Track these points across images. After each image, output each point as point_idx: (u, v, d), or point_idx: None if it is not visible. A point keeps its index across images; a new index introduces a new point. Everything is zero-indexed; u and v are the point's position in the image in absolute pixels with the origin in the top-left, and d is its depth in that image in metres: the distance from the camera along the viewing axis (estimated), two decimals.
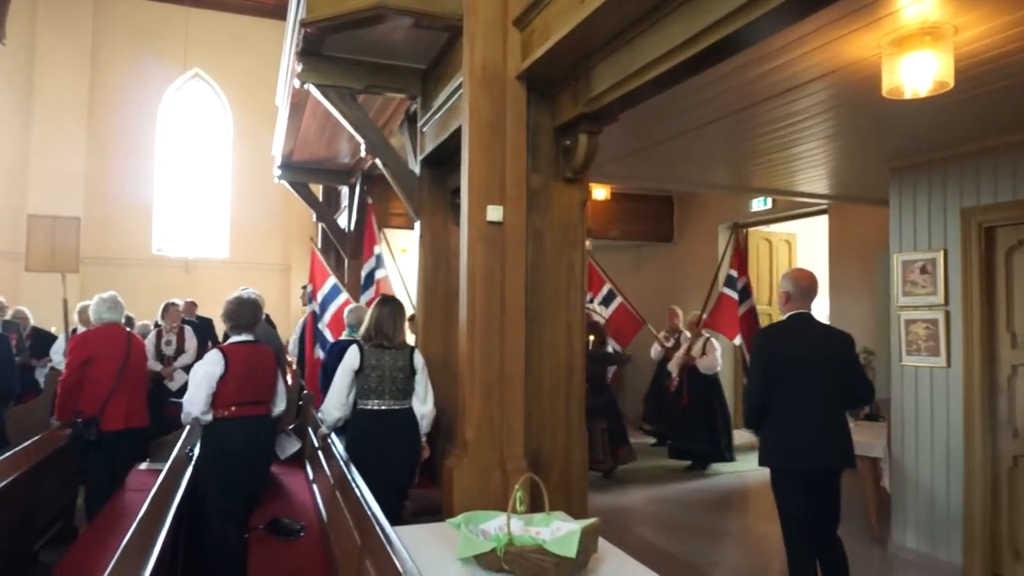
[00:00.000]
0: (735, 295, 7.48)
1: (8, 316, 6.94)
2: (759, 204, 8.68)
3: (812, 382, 3.36)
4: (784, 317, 3.56)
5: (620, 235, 9.97)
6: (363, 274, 6.75)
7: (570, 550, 2.24)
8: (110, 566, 2.27)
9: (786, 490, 3.43)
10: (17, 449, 4.01)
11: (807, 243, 9.74)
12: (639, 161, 5.47)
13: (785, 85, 3.69)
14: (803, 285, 3.52)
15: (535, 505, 2.74)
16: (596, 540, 2.46)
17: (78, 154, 11.34)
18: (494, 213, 3.42)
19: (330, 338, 6.11)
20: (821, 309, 9.52)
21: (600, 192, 8.14)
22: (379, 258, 6.72)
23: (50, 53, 11.24)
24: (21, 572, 3.81)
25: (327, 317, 6.38)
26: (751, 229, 9.37)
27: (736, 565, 4.74)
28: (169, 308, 7.15)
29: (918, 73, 2.92)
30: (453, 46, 4.28)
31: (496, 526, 2.52)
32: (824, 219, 8.15)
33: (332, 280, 6.58)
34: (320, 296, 6.50)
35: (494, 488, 3.29)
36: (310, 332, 6.51)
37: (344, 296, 6.45)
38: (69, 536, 4.66)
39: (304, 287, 8.14)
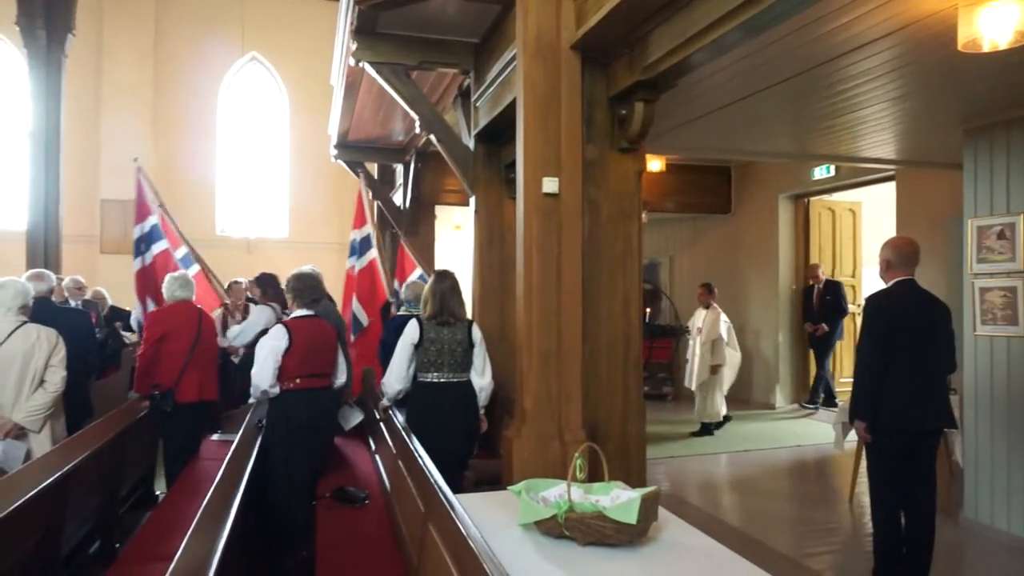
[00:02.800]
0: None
1: (88, 296, 7.29)
2: (821, 172, 8.39)
3: (920, 347, 3.46)
4: (889, 284, 3.61)
5: (676, 207, 9.80)
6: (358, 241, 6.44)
7: (630, 516, 2.25)
8: (190, 530, 2.39)
9: (886, 453, 3.51)
10: (101, 419, 4.24)
11: (872, 211, 9.40)
12: (696, 130, 5.36)
13: (850, 44, 3.54)
14: (905, 252, 3.59)
15: (594, 474, 2.76)
16: (656, 508, 2.46)
17: (145, 140, 11.76)
18: (550, 185, 3.41)
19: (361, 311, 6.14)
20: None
21: (655, 164, 7.99)
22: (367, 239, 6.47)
23: (116, 43, 11.65)
24: (109, 533, 4.05)
25: (361, 264, 6.34)
26: (813, 198, 9.09)
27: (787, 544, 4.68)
28: (233, 286, 7.38)
29: (998, 24, 2.78)
30: (505, 18, 4.26)
31: (556, 493, 2.54)
32: (891, 186, 7.83)
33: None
34: (358, 239, 6.48)
35: (552, 458, 3.33)
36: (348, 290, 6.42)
37: (373, 252, 6.35)
38: (149, 501, 4.93)
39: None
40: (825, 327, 8.56)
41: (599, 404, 3.61)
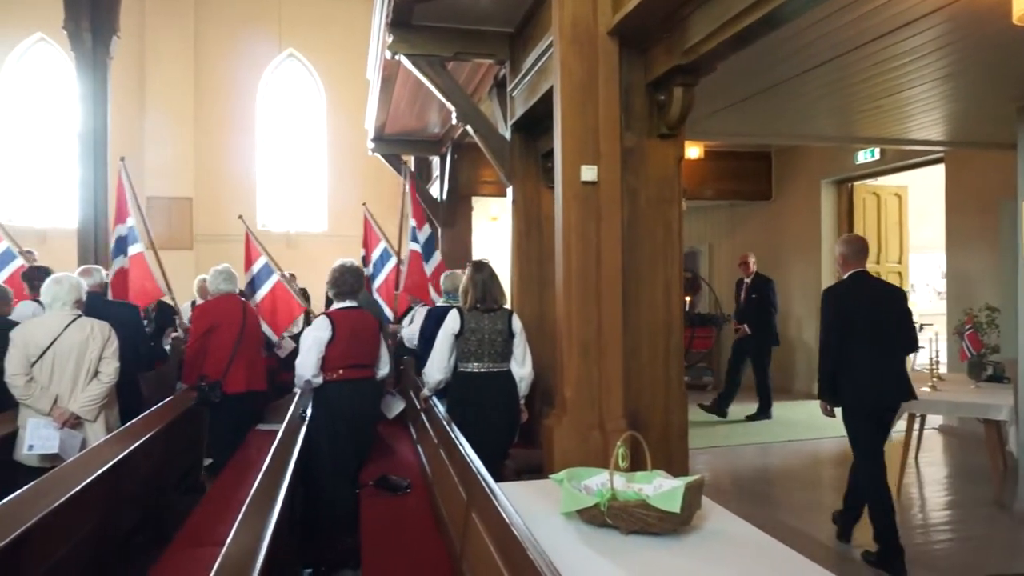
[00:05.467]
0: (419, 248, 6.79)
1: None
2: (866, 156, 8.16)
3: (876, 331, 3.81)
4: (845, 276, 3.97)
5: (715, 194, 9.65)
6: (422, 244, 6.51)
7: (674, 505, 2.23)
8: (239, 517, 2.45)
9: (858, 424, 3.92)
10: (152, 410, 4.36)
11: (919, 195, 9.13)
12: (736, 115, 5.27)
13: (897, 22, 3.44)
14: (856, 246, 3.99)
15: (636, 463, 2.74)
16: (700, 496, 2.44)
17: (187, 138, 12.03)
18: (588, 173, 3.39)
19: (382, 302, 6.19)
20: (938, 264, 8.96)
21: (693, 151, 7.88)
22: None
23: (158, 44, 11.91)
24: (161, 519, 4.17)
25: (378, 281, 6.51)
26: (857, 183, 8.85)
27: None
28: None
29: None
30: (541, 6, 4.23)
31: (599, 482, 2.54)
32: (939, 168, 7.59)
33: (383, 244, 6.69)
34: (372, 260, 6.63)
35: (594, 447, 3.32)
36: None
37: (394, 261, 6.57)
38: (197, 488, 5.06)
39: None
40: (747, 328, 7.79)
41: (640, 393, 3.59)
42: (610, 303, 3.41)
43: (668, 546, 2.25)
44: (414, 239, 6.53)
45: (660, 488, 2.42)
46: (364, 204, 7.42)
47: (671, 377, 3.67)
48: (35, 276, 5.28)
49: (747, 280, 8.03)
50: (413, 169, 9.89)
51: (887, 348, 3.82)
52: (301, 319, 6.37)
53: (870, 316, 3.81)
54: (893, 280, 8.86)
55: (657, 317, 3.64)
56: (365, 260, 6.79)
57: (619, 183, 3.50)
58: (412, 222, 6.64)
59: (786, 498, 5.12)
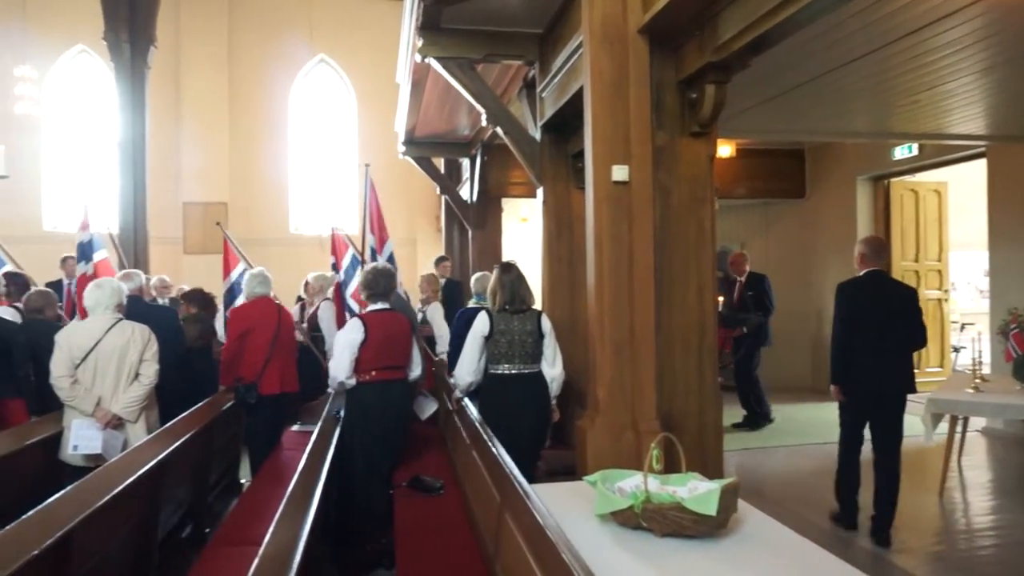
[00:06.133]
0: None
1: (173, 294, 7.66)
2: (903, 151, 7.98)
3: (883, 326, 4.12)
4: (861, 273, 4.27)
5: (747, 193, 9.53)
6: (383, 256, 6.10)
7: (710, 508, 2.20)
8: (276, 517, 2.48)
9: (851, 407, 4.32)
10: (190, 411, 4.44)
11: (960, 191, 8.89)
12: (768, 112, 5.20)
13: (936, 14, 3.36)
14: (875, 246, 4.31)
15: (670, 465, 2.72)
16: (736, 499, 2.41)
17: (222, 144, 12.26)
18: (619, 173, 3.37)
19: (355, 307, 6.12)
20: (979, 262, 8.72)
21: (724, 149, 7.80)
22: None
23: (192, 53, 12.17)
24: (199, 518, 4.25)
25: (352, 287, 6.48)
26: (894, 180, 8.66)
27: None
28: (309, 283, 7.61)
29: None
30: (570, 6, 4.22)
31: (633, 484, 2.52)
32: (981, 163, 7.39)
33: (351, 252, 6.60)
34: (343, 267, 6.59)
35: (627, 448, 3.30)
36: (337, 302, 6.36)
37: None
38: (235, 488, 5.15)
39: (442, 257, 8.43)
40: (744, 328, 7.46)
41: (674, 394, 3.55)
42: (643, 303, 3.39)
43: (704, 549, 2.22)
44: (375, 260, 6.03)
45: (695, 490, 2.40)
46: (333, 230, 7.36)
47: (705, 378, 3.63)
48: (10, 282, 5.46)
49: (740, 279, 7.71)
50: (443, 171, 9.94)
51: (893, 342, 4.11)
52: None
53: (879, 312, 4.13)
54: (933, 279, 8.66)
55: (690, 317, 3.60)
56: (336, 267, 6.72)
57: (651, 183, 3.47)
58: (371, 239, 6.04)
59: (823, 501, 5.02)
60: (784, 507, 4.84)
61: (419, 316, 6.47)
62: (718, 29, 3.19)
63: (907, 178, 8.63)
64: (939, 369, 8.66)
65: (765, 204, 10.27)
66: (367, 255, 5.79)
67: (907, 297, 4.23)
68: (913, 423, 6.28)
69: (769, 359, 8.37)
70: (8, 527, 2.27)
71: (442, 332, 6.29)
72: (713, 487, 2.30)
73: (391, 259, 5.95)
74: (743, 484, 2.55)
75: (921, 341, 4.28)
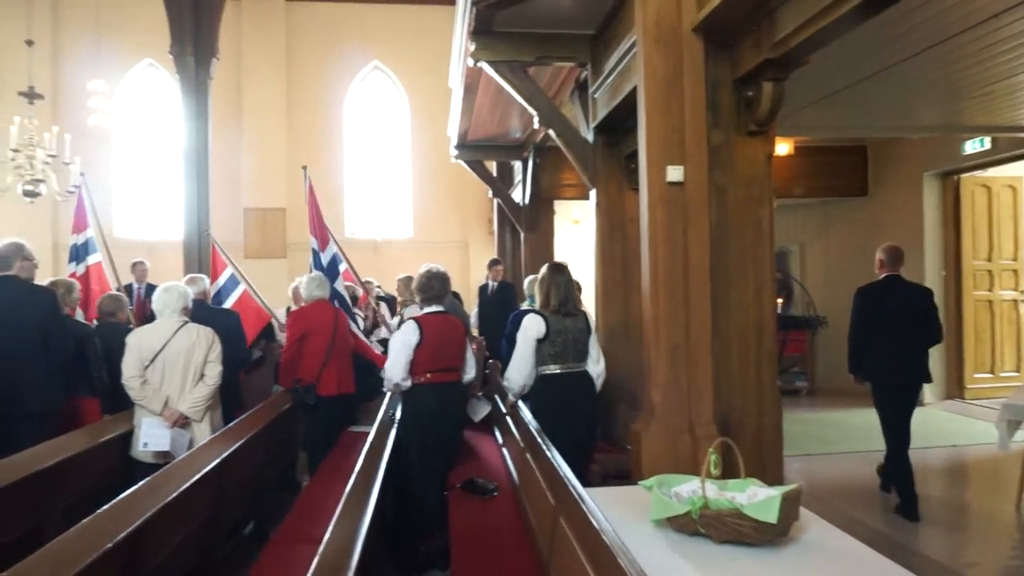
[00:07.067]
0: None
1: None
2: (974, 145, 7.62)
3: (898, 324, 4.61)
4: (880, 277, 4.76)
5: (805, 192, 9.27)
6: (325, 262, 6.18)
7: (771, 515, 2.15)
8: (334, 517, 2.53)
9: (883, 398, 4.76)
10: (251, 411, 4.58)
11: None
12: (829, 108, 5.05)
13: (1007, 2, 3.20)
14: (894, 255, 4.76)
15: (728, 471, 2.66)
16: (797, 507, 2.34)
17: (280, 151, 12.60)
18: (674, 173, 3.32)
19: (343, 291, 6.12)
20: None
21: (782, 147, 7.60)
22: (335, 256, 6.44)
23: (253, 64, 12.55)
24: (261, 515, 4.37)
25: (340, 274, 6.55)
26: (964, 175, 8.29)
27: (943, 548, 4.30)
28: (365, 286, 7.75)
29: None
30: (623, 6, 4.19)
31: (690, 489, 2.47)
32: None
33: (334, 248, 6.62)
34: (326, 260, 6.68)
35: (683, 452, 3.24)
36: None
37: (344, 265, 6.59)
38: (294, 487, 5.27)
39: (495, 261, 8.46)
40: None
41: (731, 398, 3.48)
42: (699, 305, 3.33)
43: (764, 558, 2.17)
44: (318, 264, 6.06)
45: (754, 497, 2.34)
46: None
47: (763, 381, 3.55)
48: None
49: None
50: (495, 174, 9.97)
51: (908, 338, 4.59)
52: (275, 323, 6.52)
53: (895, 311, 4.63)
54: (1007, 279, 8.29)
55: (748, 319, 3.52)
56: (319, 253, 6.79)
57: (706, 183, 3.41)
58: (313, 242, 6.07)
59: (890, 510, 4.84)
60: (848, 515, 4.69)
61: (397, 319, 6.48)
62: (775, 25, 3.11)
63: (978, 173, 8.25)
64: (1015, 373, 8.27)
65: (825, 203, 9.98)
66: (310, 258, 5.86)
67: (923, 297, 4.70)
68: (987, 430, 6.01)
69: (831, 364, 8.12)
70: (85, 520, 2.38)
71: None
72: (774, 493, 2.24)
73: (335, 260, 6.03)
74: (805, 490, 2.48)
75: (937, 337, 4.73)
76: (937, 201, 8.43)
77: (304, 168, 6.46)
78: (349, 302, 5.99)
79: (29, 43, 9.57)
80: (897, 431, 4.69)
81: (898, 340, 4.57)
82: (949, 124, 5.96)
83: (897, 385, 4.64)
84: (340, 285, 6.00)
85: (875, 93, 4.70)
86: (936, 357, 8.41)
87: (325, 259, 6.04)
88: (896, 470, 4.75)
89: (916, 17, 3.33)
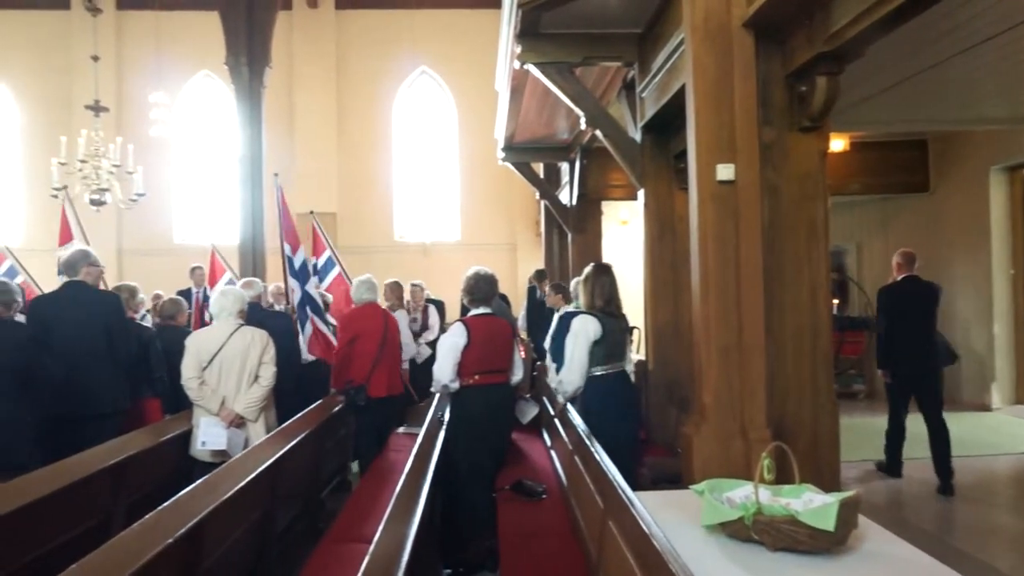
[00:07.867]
0: None
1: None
2: None
3: (916, 319, 5.25)
4: (899, 279, 5.36)
5: (862, 189, 8.97)
6: (297, 266, 6.17)
7: (827, 523, 2.08)
8: (385, 517, 2.55)
9: (897, 385, 5.41)
10: (304, 412, 4.67)
11: None
12: (887, 101, 4.89)
13: None
14: (908, 258, 5.37)
15: (782, 476, 2.60)
16: (856, 514, 2.26)
17: (331, 156, 12.86)
18: (724, 172, 3.26)
19: (315, 295, 6.16)
20: None
21: (837, 143, 7.39)
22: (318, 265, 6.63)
23: (304, 72, 12.86)
24: (313, 514, 4.46)
25: (326, 283, 6.77)
26: None
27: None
28: (413, 289, 7.84)
29: None
30: (670, 3, 4.14)
31: (743, 495, 2.42)
32: None
33: (328, 253, 6.86)
34: (320, 264, 6.86)
35: (735, 456, 3.18)
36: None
37: (337, 269, 6.78)
38: (345, 488, 5.36)
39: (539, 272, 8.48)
40: None
41: (785, 401, 3.40)
42: (751, 306, 3.26)
43: (821, 566, 2.10)
44: (292, 272, 6.01)
45: (810, 503, 2.28)
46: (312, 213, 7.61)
47: (819, 384, 3.45)
48: None
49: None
50: (543, 176, 9.96)
51: (925, 331, 5.24)
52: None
53: (913, 308, 5.25)
54: None
55: (802, 320, 3.43)
56: (315, 267, 6.93)
57: (758, 181, 3.34)
58: (287, 247, 6.01)
59: (955, 519, 4.65)
60: (911, 523, 4.52)
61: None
62: (830, 17, 3.02)
63: None
64: None
65: (883, 200, 9.65)
66: (284, 263, 5.95)
67: (936, 294, 5.38)
68: None
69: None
70: (146, 517, 2.46)
71: (406, 340, 6.19)
72: (831, 500, 2.18)
73: (304, 266, 6.13)
74: (864, 497, 2.40)
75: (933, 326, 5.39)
76: (1004, 197, 8.06)
77: (276, 175, 6.67)
78: (321, 306, 6.11)
79: (95, 59, 10.01)
80: (898, 424, 5.42)
81: (916, 333, 5.21)
82: (1017, 116, 5.69)
83: (922, 371, 5.20)
84: (312, 288, 6.13)
85: (935, 85, 4.53)
86: (1003, 358, 8.08)
87: (297, 262, 6.20)
88: (895, 436, 5.50)
89: (976, 5, 3.20)
